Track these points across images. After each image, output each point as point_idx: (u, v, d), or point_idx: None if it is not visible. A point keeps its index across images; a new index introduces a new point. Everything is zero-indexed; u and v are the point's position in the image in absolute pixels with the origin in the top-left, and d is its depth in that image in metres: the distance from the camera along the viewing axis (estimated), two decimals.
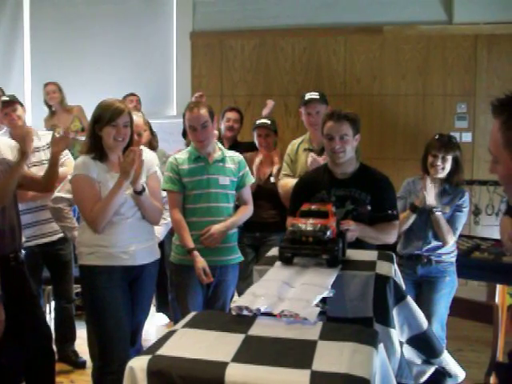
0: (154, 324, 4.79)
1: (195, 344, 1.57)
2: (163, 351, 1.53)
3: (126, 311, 2.94)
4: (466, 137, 5.52)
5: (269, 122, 4.15)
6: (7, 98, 3.95)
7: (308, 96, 3.84)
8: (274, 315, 1.76)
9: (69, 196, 3.26)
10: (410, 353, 2.26)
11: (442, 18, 5.59)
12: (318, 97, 3.82)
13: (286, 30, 5.88)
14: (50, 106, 5.45)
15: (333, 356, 1.50)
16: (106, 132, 2.89)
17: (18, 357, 3.01)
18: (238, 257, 3.41)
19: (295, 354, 1.53)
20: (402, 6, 5.64)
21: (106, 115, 2.88)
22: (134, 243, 2.94)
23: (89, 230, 2.91)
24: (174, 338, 1.63)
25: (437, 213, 3.38)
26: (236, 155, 3.42)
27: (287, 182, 3.70)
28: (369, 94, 5.76)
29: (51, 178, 3.15)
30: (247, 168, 3.46)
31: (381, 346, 1.67)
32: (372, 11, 5.71)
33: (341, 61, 5.81)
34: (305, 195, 2.92)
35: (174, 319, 4.03)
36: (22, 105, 3.94)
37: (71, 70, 6.02)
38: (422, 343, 2.28)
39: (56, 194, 3.35)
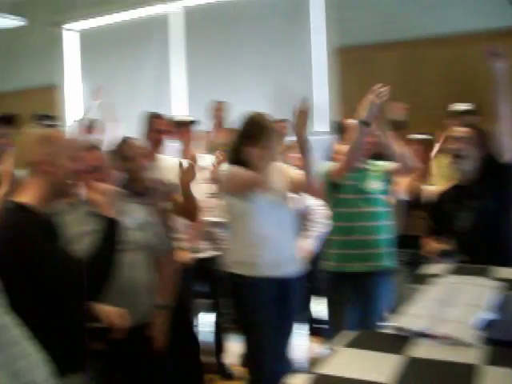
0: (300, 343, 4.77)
1: (356, 364, 1.56)
2: (325, 370, 1.53)
3: (273, 326, 2.94)
4: None
5: (427, 136, 3.99)
6: (193, 119, 4.24)
7: (457, 107, 3.70)
8: (432, 336, 1.70)
9: (218, 220, 3.35)
10: None
11: None
12: (469, 108, 3.67)
13: (432, 40, 5.67)
14: (214, 123, 5.59)
15: None
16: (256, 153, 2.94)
17: (175, 368, 3.11)
18: (388, 264, 3.23)
19: (458, 378, 1.46)
20: None
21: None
22: (281, 256, 2.94)
23: (239, 242, 2.97)
24: (335, 356, 1.62)
25: None
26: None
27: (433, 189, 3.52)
28: None
29: (188, 207, 3.20)
30: None
31: None
32: None
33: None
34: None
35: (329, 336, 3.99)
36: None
37: (221, 90, 6.25)
38: None
39: (207, 218, 3.46)
